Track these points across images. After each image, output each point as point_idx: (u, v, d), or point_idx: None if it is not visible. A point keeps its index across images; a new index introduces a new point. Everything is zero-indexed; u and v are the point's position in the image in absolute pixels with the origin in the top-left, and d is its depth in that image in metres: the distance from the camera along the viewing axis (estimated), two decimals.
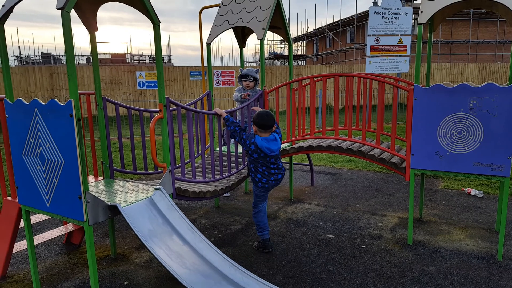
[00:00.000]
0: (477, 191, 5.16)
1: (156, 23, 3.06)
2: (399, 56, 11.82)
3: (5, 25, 2.86)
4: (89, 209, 2.61)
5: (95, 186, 3.55)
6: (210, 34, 4.73)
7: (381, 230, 4.16)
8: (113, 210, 2.83)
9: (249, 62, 34.32)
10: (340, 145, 4.10)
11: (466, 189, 5.30)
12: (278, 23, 4.78)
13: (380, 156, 3.92)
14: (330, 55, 28.58)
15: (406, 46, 11.85)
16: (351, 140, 4.05)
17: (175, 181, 3.47)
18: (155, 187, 3.19)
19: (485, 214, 4.50)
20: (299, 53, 34.28)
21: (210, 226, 4.41)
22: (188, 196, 3.55)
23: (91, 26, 3.47)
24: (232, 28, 4.98)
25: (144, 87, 17.04)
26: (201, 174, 3.89)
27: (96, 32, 3.49)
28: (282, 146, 4.67)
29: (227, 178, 4.16)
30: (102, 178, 3.80)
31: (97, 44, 3.57)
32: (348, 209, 4.87)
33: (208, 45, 4.77)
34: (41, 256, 3.72)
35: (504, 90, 3.11)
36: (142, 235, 2.70)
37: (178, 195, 3.47)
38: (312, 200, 5.24)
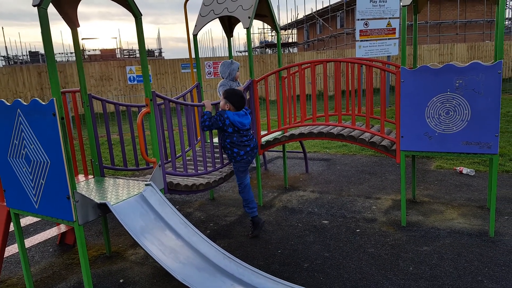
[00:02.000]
0: (468, 170, 5.21)
1: (137, 16, 3.01)
2: (389, 39, 11.78)
3: None
4: (78, 208, 2.60)
5: (85, 184, 3.53)
6: (196, 25, 4.67)
7: (375, 213, 4.19)
8: (104, 208, 2.82)
9: (240, 52, 34.09)
10: (331, 131, 4.10)
11: (458, 168, 5.34)
12: (264, 11, 4.73)
13: (370, 140, 3.93)
14: (321, 41, 28.44)
15: (395, 29, 11.82)
16: (341, 125, 4.05)
17: (167, 175, 3.46)
18: (145, 182, 3.18)
19: (476, 192, 4.55)
20: (290, 40, 34.07)
21: (205, 218, 4.41)
22: (181, 190, 3.55)
23: (72, 22, 3.41)
24: (219, 18, 4.93)
25: (135, 82, 16.90)
26: (193, 167, 3.88)
27: (79, 28, 3.44)
28: (274, 134, 4.66)
29: (220, 169, 4.15)
30: (92, 176, 3.78)
31: (86, 40, 3.53)
32: (343, 194, 4.89)
33: (195, 36, 4.72)
34: (35, 258, 3.71)
35: (489, 68, 3.11)
36: (134, 232, 2.69)
37: (170, 190, 3.47)
38: (307, 187, 5.26)
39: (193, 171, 3.82)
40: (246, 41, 4.47)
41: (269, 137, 4.62)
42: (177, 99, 4.42)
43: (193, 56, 4.96)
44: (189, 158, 4.39)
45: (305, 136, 4.27)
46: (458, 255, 3.17)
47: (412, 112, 3.50)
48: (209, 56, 22.81)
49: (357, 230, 3.77)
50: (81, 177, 3.79)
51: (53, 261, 3.62)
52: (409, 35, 22.66)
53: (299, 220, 4.15)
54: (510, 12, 26.35)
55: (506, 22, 26.27)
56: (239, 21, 4.86)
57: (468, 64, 3.24)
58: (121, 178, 3.68)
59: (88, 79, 16.38)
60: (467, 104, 3.27)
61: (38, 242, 3.85)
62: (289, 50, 32.13)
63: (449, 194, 4.55)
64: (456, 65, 3.32)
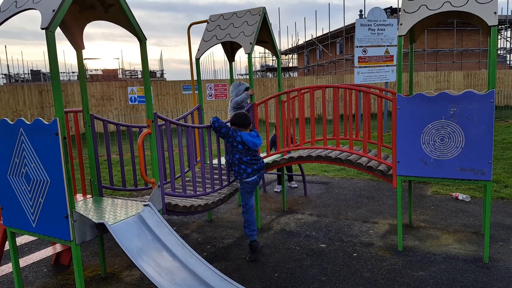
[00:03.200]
0: (464, 196, 5.24)
1: (142, 40, 3.12)
2: (386, 66, 12.03)
3: None
4: (76, 228, 2.61)
5: (83, 204, 3.55)
6: (198, 49, 4.80)
7: (372, 237, 4.19)
8: (101, 228, 2.83)
9: (241, 75, 34.60)
10: (329, 155, 4.15)
11: (454, 194, 5.37)
12: (265, 37, 4.88)
13: (367, 164, 3.98)
14: (320, 67, 28.93)
15: (392, 56, 12.08)
16: (339, 149, 4.11)
17: (165, 196, 3.48)
18: (144, 203, 3.20)
19: (472, 218, 4.56)
20: (290, 65, 34.65)
21: (202, 240, 4.40)
22: (179, 211, 3.57)
23: (77, 44, 3.52)
24: (221, 43, 5.08)
25: (136, 102, 17.06)
26: (192, 189, 3.91)
27: (84, 50, 3.54)
28: (273, 157, 4.71)
29: (219, 191, 4.18)
30: (91, 196, 3.80)
31: (89, 60, 3.64)
32: (340, 217, 4.90)
33: (197, 60, 4.84)
34: (28, 278, 3.68)
35: (482, 97, 3.20)
36: (131, 253, 2.69)
37: (168, 211, 3.48)
38: (305, 210, 5.27)
39: (192, 192, 3.85)
40: (247, 65, 4.60)
41: (269, 159, 4.66)
42: (178, 120, 4.50)
43: (195, 78, 5.07)
44: (188, 179, 4.42)
45: (303, 159, 4.33)
46: (453, 280, 3.17)
47: (408, 138, 3.57)
48: (211, 78, 23.18)
49: (354, 254, 3.77)
50: (79, 197, 3.81)
51: (47, 282, 3.59)
52: (406, 63, 23.12)
53: (296, 243, 4.15)
54: (504, 42, 26.97)
55: (500, 52, 26.84)
56: (240, 47, 5.00)
57: (462, 92, 3.33)
58: (119, 198, 3.71)
59: (89, 99, 16.54)
60: (461, 131, 3.34)
61: (33, 262, 3.82)
62: (289, 74, 32.64)
63: (445, 220, 4.57)
64: (451, 93, 3.41)
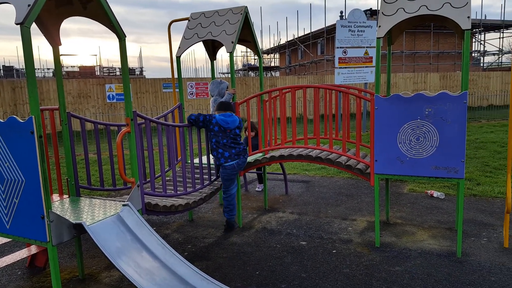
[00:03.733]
0: (439, 193, 5.41)
1: (122, 37, 3.08)
2: (366, 67, 12.24)
3: None
4: (53, 228, 2.56)
5: (60, 204, 3.47)
6: (179, 47, 4.76)
7: (350, 234, 4.27)
8: (79, 228, 2.79)
9: (223, 73, 34.48)
10: (310, 154, 4.20)
11: (429, 191, 5.54)
12: (247, 36, 4.89)
13: (346, 163, 4.05)
14: (302, 66, 29.15)
15: (372, 57, 12.30)
16: (319, 148, 4.16)
17: (145, 196, 3.45)
18: (123, 203, 3.17)
19: (446, 214, 4.72)
20: (272, 64, 34.77)
21: (183, 240, 4.38)
22: (159, 211, 3.54)
23: (54, 40, 3.44)
24: (202, 41, 5.05)
25: (114, 100, 16.76)
26: (173, 188, 3.88)
27: (60, 46, 3.46)
28: (255, 156, 4.73)
29: (200, 190, 4.17)
30: (68, 196, 3.72)
31: (66, 56, 3.56)
32: (320, 215, 4.97)
33: (178, 58, 4.80)
34: (2, 282, 3.56)
35: (456, 98, 3.32)
36: (110, 253, 2.66)
37: (148, 210, 3.45)
38: (286, 208, 5.31)
39: (172, 191, 3.83)
40: (229, 63, 4.62)
41: (250, 158, 4.68)
42: (158, 119, 4.46)
43: (176, 76, 5.03)
44: (169, 178, 4.39)
45: (285, 158, 4.37)
46: (428, 275, 3.27)
47: (385, 137, 3.66)
48: (192, 76, 22.98)
49: (334, 251, 3.83)
50: (55, 197, 3.73)
51: (22, 285, 3.49)
52: (384, 64, 23.58)
53: (277, 241, 4.18)
54: (478, 44, 27.88)
55: (474, 54, 27.74)
56: (222, 45, 4.99)
57: (436, 93, 3.44)
58: (97, 198, 3.65)
59: (66, 96, 16.15)
60: (435, 131, 3.45)
61: (6, 264, 3.68)
62: (271, 73, 32.75)
63: (421, 216, 4.70)
64: (426, 94, 3.51)
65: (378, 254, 3.72)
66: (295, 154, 4.26)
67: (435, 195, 5.40)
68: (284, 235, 4.34)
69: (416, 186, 5.99)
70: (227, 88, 5.13)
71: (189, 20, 4.87)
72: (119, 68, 38.11)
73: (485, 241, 3.90)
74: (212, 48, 5.24)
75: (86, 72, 34.11)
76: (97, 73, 35.58)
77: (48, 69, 36.10)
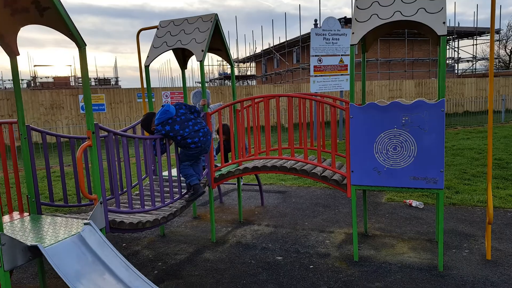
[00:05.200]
0: (417, 203, 5.36)
1: (81, 46, 2.88)
2: (341, 75, 12.32)
3: None
4: (5, 252, 2.33)
5: (20, 223, 3.21)
6: (148, 56, 4.58)
7: (328, 247, 4.14)
8: (35, 250, 2.55)
9: (199, 83, 34.25)
10: (284, 165, 4.07)
11: (408, 201, 5.49)
12: (218, 44, 4.75)
13: (322, 174, 3.93)
14: (278, 75, 29.27)
15: (347, 65, 12.40)
16: (294, 159, 4.03)
17: (109, 213, 3.22)
18: (84, 221, 2.93)
19: (425, 225, 4.66)
20: (248, 73, 34.80)
21: (154, 257, 4.15)
22: (125, 229, 3.31)
23: (11, 50, 3.21)
24: (172, 50, 4.88)
25: None
26: (140, 204, 3.66)
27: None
28: (227, 167, 4.56)
29: (170, 205, 3.96)
30: (28, 214, 3.45)
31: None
32: (297, 228, 4.83)
33: (147, 67, 4.61)
34: None
35: (433, 106, 3.26)
36: (69, 277, 2.43)
37: (113, 228, 3.22)
38: (262, 221, 5.15)
39: (140, 207, 3.60)
40: (205, 72, 4.48)
41: (223, 170, 4.51)
42: (126, 130, 4.24)
43: (146, 86, 4.83)
44: (137, 193, 4.16)
45: (258, 169, 4.21)
46: None
47: (361, 147, 3.57)
48: (168, 86, 22.65)
49: (311, 266, 3.69)
50: (15, 215, 3.46)
51: None
52: (359, 72, 23.93)
53: (252, 256, 4.01)
54: (452, 51, 28.75)
55: (449, 61, 28.59)
56: (193, 54, 4.83)
57: (413, 101, 3.37)
58: (60, 216, 3.40)
59: (38, 107, 15.61)
60: (413, 140, 3.37)
61: None
62: (247, 82, 32.75)
63: (400, 227, 4.62)
64: (402, 102, 3.45)
65: (357, 269, 3.60)
66: (269, 165, 4.12)
67: (414, 204, 5.36)
68: (259, 250, 4.17)
69: (395, 195, 5.94)
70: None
71: (158, 29, 4.69)
72: (94, 78, 37.31)
73: (466, 253, 3.83)
74: (182, 57, 5.08)
75: (60, 83, 33.23)
76: (72, 83, 34.73)
77: (22, 80, 34.99)
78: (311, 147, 4.73)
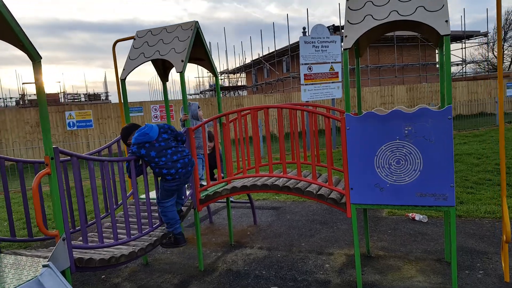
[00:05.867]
0: (421, 216, 4.99)
1: (35, 58, 2.49)
2: (332, 82, 12.03)
3: None
4: None
5: None
6: (124, 69, 4.20)
7: (328, 273, 3.73)
8: None
9: (190, 95, 33.92)
10: (276, 183, 3.68)
11: (410, 214, 5.11)
12: (200, 54, 4.38)
13: (318, 192, 3.55)
14: (269, 85, 29.05)
15: (337, 72, 12.12)
16: (286, 176, 3.64)
17: (75, 250, 2.80)
18: (43, 263, 2.51)
19: (432, 242, 4.27)
20: (239, 83, 34.57)
21: None
22: (95, 267, 2.88)
23: None
24: (152, 61, 4.51)
25: (75, 128, 15.80)
26: (114, 235, 3.23)
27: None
28: (214, 187, 4.15)
29: (150, 233, 3.53)
30: None
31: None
32: (293, 250, 4.42)
33: (123, 80, 4.23)
34: None
35: (438, 114, 2.90)
36: None
37: (80, 268, 2.79)
38: (255, 243, 4.73)
39: (113, 240, 3.17)
40: (196, 84, 4.08)
41: (209, 190, 4.10)
42: (100, 152, 3.83)
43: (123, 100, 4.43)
44: (108, 224, 3.72)
45: (248, 189, 3.82)
46: None
47: (360, 161, 3.20)
48: (159, 99, 22.24)
49: None
50: None
51: None
52: (352, 78, 23.83)
53: (244, 287, 3.59)
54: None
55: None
56: (173, 65, 4.47)
57: (416, 109, 3.02)
58: (22, 253, 2.97)
59: (23, 126, 15.08)
60: (418, 152, 3.01)
61: None
62: (238, 93, 32.48)
63: (404, 246, 4.24)
64: (403, 110, 3.10)
65: None
66: (259, 184, 3.73)
67: (417, 218, 4.98)
68: (252, 279, 3.75)
69: (396, 208, 5.56)
70: (199, 108, 4.73)
71: (134, 39, 4.32)
72: (83, 94, 36.82)
73: (481, 274, 3.44)
74: (163, 68, 4.70)
75: (49, 100, 32.72)
76: (61, 100, 34.23)
77: (11, 98, 34.41)
78: (305, 161, 4.34)
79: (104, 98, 35.53)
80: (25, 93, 33.54)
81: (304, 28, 14.13)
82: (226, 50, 30.05)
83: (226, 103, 17.99)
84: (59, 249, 2.59)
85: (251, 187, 3.78)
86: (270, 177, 3.90)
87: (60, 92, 35.05)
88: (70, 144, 15.35)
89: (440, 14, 2.84)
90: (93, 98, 35.88)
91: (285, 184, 3.65)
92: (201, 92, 33.26)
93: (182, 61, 3.83)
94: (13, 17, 2.35)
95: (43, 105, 2.51)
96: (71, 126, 15.73)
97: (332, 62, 11.93)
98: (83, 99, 35.44)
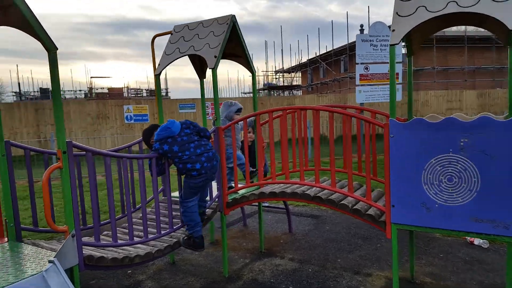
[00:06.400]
0: (481, 240, 4.32)
1: (50, 49, 2.41)
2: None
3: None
4: None
5: None
6: (159, 64, 4.11)
7: None
8: None
9: (245, 93, 34.16)
10: (307, 192, 3.34)
11: (469, 237, 4.46)
12: (236, 50, 4.16)
13: (354, 207, 3.15)
14: (324, 85, 28.25)
15: (397, 73, 11.29)
16: (319, 186, 3.29)
17: (85, 247, 2.70)
18: (49, 258, 2.43)
19: (491, 273, 3.65)
20: (294, 83, 34.12)
21: None
22: (106, 265, 2.77)
23: None
24: (189, 57, 4.38)
25: (132, 121, 16.53)
26: (129, 235, 3.11)
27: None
28: (242, 191, 3.90)
29: (171, 234, 3.38)
30: (6, 240, 3.04)
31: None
32: (327, 265, 4.04)
33: (157, 76, 4.13)
34: None
35: (503, 125, 2.39)
36: None
37: (90, 266, 2.69)
38: (286, 253, 4.42)
39: (128, 239, 3.05)
40: (251, 83, 3.90)
41: (236, 194, 3.86)
42: (122, 149, 3.76)
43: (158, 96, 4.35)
44: (135, 220, 3.62)
45: (276, 195, 3.52)
46: None
47: (405, 175, 2.76)
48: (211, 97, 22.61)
49: None
50: None
51: None
52: (416, 81, 22.32)
53: None
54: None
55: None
56: None
57: (476, 117, 2.52)
58: (41, 244, 2.95)
59: (85, 118, 16.08)
60: (475, 169, 2.51)
61: None
62: (292, 92, 32.01)
63: (457, 274, 3.67)
64: (461, 118, 2.61)
65: None
66: (288, 192, 3.41)
67: (476, 242, 4.32)
68: None
69: (444, 232, 4.91)
70: (238, 111, 4.39)
71: (171, 34, 4.21)
72: (146, 89, 38.75)
73: None
74: (200, 64, 4.54)
75: (114, 94, 34.86)
76: (125, 94, 36.32)
77: (80, 90, 37.26)
78: (340, 168, 3.91)
79: (164, 94, 37.06)
80: (92, 86, 36.12)
81: (361, 26, 13.37)
82: (282, 49, 29.74)
83: (278, 102, 17.72)
84: (67, 245, 2.50)
85: (280, 194, 3.47)
86: (300, 186, 3.56)
87: (124, 87, 37.22)
88: (127, 137, 16.06)
89: (509, 6, 2.32)
90: (154, 93, 37.62)
91: (317, 194, 3.29)
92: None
93: (215, 57, 3.63)
94: (30, 10, 2.28)
95: (57, 97, 2.43)
96: (128, 120, 16.45)
97: None
98: (144, 95, 37.30)
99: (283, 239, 4.89)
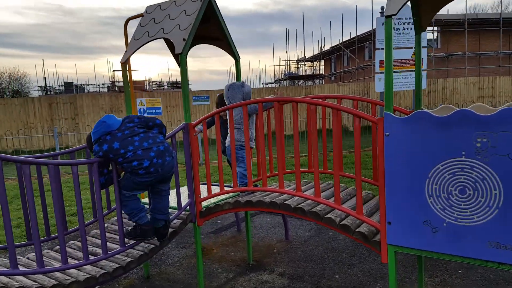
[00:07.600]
0: None
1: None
2: (414, 71, 10.29)
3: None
4: None
5: None
6: (126, 51, 3.59)
7: None
8: None
9: (266, 84, 33.46)
10: (287, 202, 2.75)
11: None
12: (215, 32, 3.58)
13: (342, 222, 2.53)
14: (347, 73, 27.11)
15: (423, 59, 10.33)
16: (301, 195, 2.68)
17: None
18: None
19: None
20: (316, 72, 33.06)
21: None
22: None
23: None
24: (166, 42, 3.85)
25: (145, 114, 16.30)
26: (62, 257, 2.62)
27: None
28: (216, 199, 3.34)
29: (125, 251, 2.85)
30: None
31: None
32: (321, 283, 3.45)
33: (123, 64, 3.62)
34: None
35: None
36: None
37: None
38: (278, 266, 3.86)
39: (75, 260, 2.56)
40: (273, 73, 3.23)
41: (209, 201, 3.30)
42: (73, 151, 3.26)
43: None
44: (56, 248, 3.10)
45: (253, 205, 2.95)
46: None
47: (404, 184, 2.13)
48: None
49: None
50: None
51: None
52: (441, 67, 20.97)
53: None
54: None
55: None
56: (195, 43, 3.72)
57: (497, 110, 1.85)
58: None
59: (98, 111, 15.99)
60: (496, 179, 1.85)
61: None
62: (314, 82, 30.98)
63: None
64: (483, 110, 1.95)
65: None
66: (266, 201, 2.82)
67: None
68: None
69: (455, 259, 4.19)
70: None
71: (143, 16, 3.67)
72: (167, 82, 38.76)
73: None
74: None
75: (136, 87, 35.03)
76: (146, 87, 36.47)
77: (103, 84, 37.70)
78: (325, 170, 3.27)
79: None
80: (115, 80, 36.39)
81: (382, 8, 12.39)
82: (304, 37, 28.65)
83: (295, 92, 16.99)
84: None
85: (256, 203, 2.89)
86: (280, 194, 2.95)
87: (145, 80, 37.32)
88: None
89: None
90: (175, 86, 37.59)
91: (299, 205, 2.69)
92: (276, 81, 32.55)
93: (184, 40, 3.07)
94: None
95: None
96: (141, 113, 16.19)
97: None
98: (165, 87, 37.28)
99: (277, 248, 4.32)
